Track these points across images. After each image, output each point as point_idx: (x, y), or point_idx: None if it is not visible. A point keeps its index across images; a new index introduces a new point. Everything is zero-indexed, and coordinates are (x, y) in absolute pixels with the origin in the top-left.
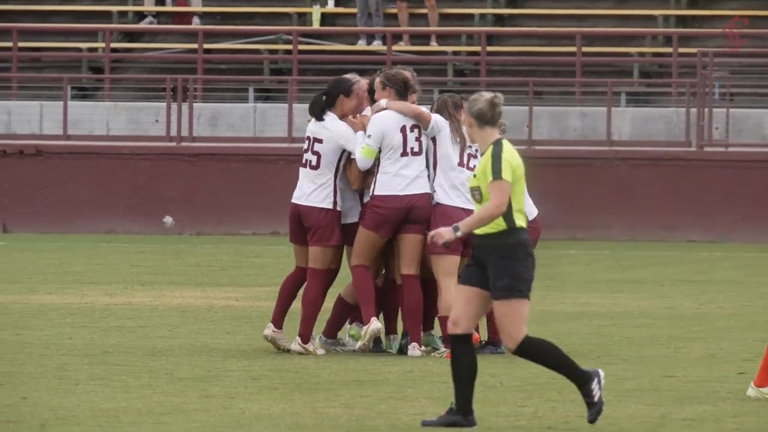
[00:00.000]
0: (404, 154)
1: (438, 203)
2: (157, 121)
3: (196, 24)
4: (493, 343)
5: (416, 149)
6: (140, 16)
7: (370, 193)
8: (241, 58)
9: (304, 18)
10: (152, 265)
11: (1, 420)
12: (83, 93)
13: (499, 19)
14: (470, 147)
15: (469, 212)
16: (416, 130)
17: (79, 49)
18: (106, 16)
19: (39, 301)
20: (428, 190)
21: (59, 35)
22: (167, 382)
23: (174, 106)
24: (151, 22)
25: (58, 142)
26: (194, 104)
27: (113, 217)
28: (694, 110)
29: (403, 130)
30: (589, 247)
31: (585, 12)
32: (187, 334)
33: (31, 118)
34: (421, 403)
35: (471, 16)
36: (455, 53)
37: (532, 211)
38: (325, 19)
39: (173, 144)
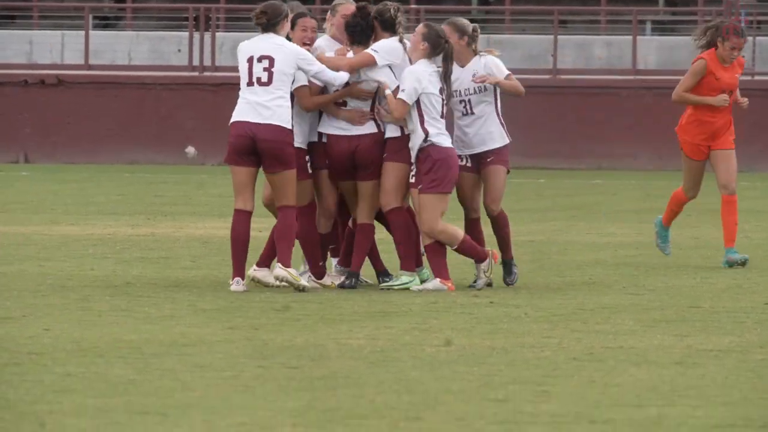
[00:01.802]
0: (250, 83)
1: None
2: (179, 50)
3: None
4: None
5: (264, 79)
6: None
7: None
8: None
9: None
10: (175, 195)
11: (24, 352)
12: (105, 22)
13: None
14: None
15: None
16: (266, 61)
17: None
18: None
19: (61, 232)
20: (276, 122)
21: None
22: (190, 314)
23: (196, 35)
24: None
25: (80, 71)
26: (217, 33)
27: (135, 148)
28: None
29: (249, 60)
30: (615, 176)
31: None
32: (210, 265)
33: (53, 47)
34: (446, 334)
35: None
36: None
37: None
38: None
39: (196, 74)
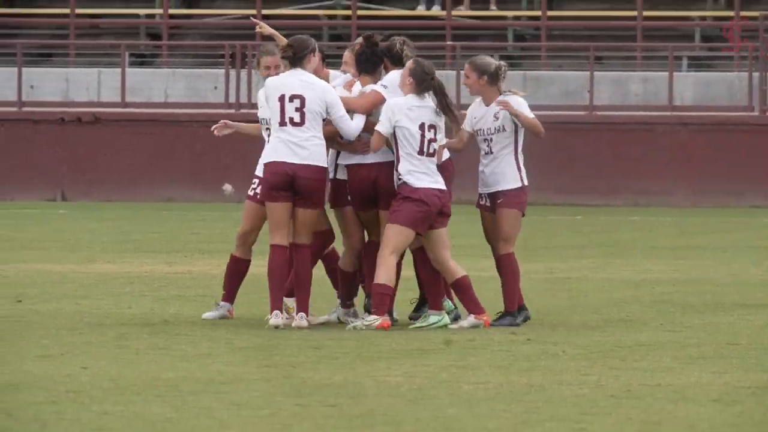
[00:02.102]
0: (282, 123)
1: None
2: (215, 87)
3: None
4: (511, 314)
5: (297, 119)
6: None
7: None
8: (299, 23)
9: None
10: (212, 233)
11: (61, 390)
12: (141, 60)
13: None
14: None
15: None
16: (297, 101)
17: (136, 16)
18: None
19: (98, 270)
20: (315, 162)
21: (117, 1)
22: (227, 352)
23: (233, 72)
24: None
25: (116, 109)
26: (253, 71)
27: (172, 185)
28: (756, 74)
29: (281, 99)
30: (651, 213)
31: None
32: (247, 303)
33: (89, 85)
34: (484, 371)
35: None
36: (515, 18)
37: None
38: None
39: (232, 111)
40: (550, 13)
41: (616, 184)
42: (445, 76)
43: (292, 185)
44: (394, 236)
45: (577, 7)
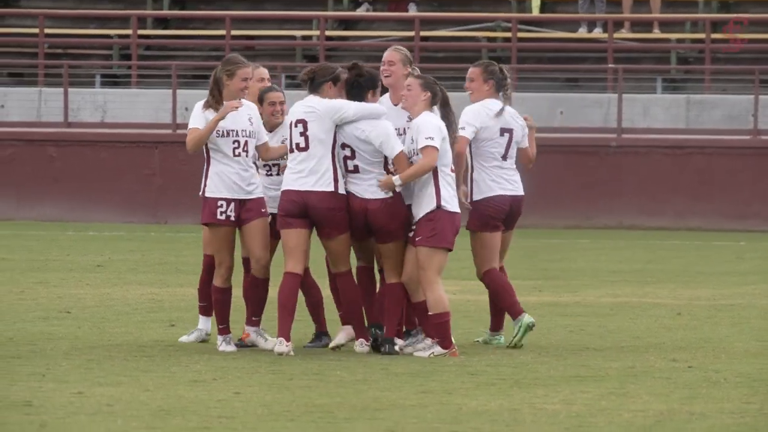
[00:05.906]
0: (291, 149)
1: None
2: None
3: (412, 11)
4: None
5: (302, 145)
6: (356, 3)
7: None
8: (458, 45)
9: (523, 5)
10: None
11: (214, 415)
12: (297, 82)
13: (725, 6)
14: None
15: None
16: (300, 125)
17: (293, 37)
18: (321, 3)
19: None
20: (322, 188)
21: (273, 23)
22: (383, 377)
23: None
24: (367, 9)
25: None
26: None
27: None
28: None
29: (290, 125)
30: None
31: None
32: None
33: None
34: (643, 399)
35: (695, 3)
36: (679, 41)
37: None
38: (545, 5)
39: None
40: (714, 35)
41: None
42: (607, 99)
43: (306, 213)
44: (429, 259)
45: (742, 29)
